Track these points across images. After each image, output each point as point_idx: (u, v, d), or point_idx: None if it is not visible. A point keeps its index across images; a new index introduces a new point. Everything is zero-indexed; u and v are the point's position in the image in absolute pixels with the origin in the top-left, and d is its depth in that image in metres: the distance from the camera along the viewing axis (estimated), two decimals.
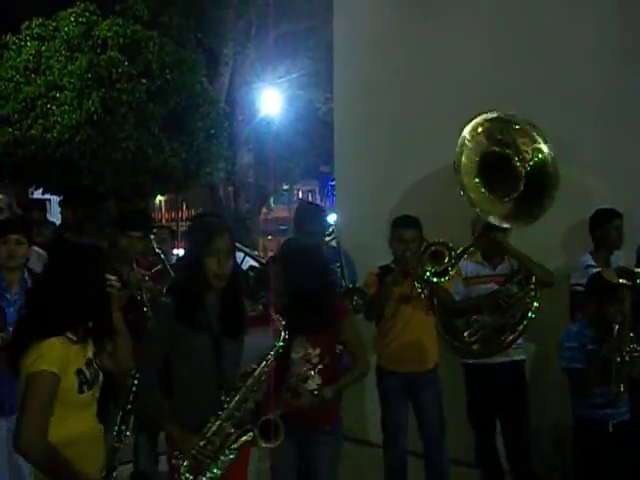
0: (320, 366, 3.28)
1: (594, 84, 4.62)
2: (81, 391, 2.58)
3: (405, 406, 4.26)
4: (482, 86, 4.90)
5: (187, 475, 2.86)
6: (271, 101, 16.05)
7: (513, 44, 4.86)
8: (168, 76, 11.67)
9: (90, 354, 2.67)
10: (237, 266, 3.28)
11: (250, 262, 5.18)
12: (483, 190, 4.21)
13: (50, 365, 2.46)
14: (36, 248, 4.23)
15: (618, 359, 3.41)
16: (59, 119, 10.96)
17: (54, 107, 11.06)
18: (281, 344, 3.05)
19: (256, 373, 2.99)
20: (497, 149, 4.35)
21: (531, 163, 4.33)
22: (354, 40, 5.67)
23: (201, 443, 2.86)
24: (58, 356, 2.49)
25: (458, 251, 4.13)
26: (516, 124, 4.37)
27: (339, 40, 5.88)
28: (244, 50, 15.60)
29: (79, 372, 2.58)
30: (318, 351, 3.31)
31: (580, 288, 4.23)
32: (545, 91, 4.73)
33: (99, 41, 11.47)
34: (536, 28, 4.79)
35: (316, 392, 3.24)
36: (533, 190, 4.27)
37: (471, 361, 4.32)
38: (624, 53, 4.56)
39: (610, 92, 4.58)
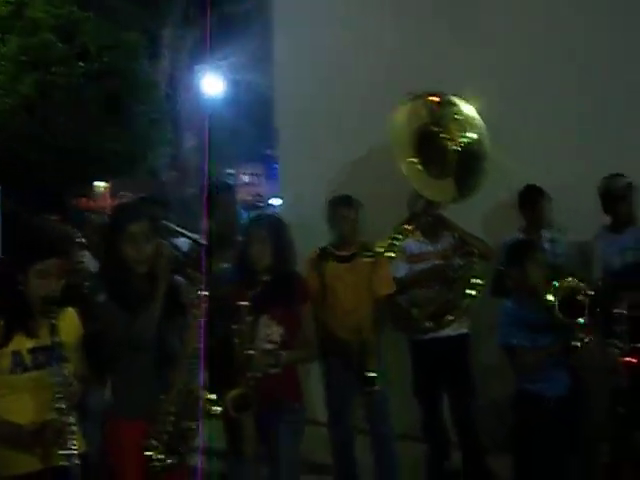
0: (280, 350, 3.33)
1: (524, 65, 4.78)
2: (13, 372, 2.67)
3: (348, 380, 4.25)
4: (427, 66, 4.94)
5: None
6: (214, 84, 15.88)
7: (453, 26, 4.93)
8: (106, 59, 11.42)
9: (45, 341, 2.69)
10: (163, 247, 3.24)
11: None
12: (419, 167, 4.30)
13: None
14: None
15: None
16: None
17: None
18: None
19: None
20: (432, 127, 4.43)
21: (462, 144, 4.42)
22: (296, 19, 5.63)
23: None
24: None
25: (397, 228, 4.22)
26: (454, 111, 4.45)
27: (280, 19, 5.83)
28: (185, 33, 15.35)
29: (16, 353, 2.68)
30: (282, 330, 3.35)
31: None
32: (480, 71, 4.82)
33: (31, 22, 11.11)
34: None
35: (270, 349, 3.29)
36: (464, 169, 4.37)
37: (416, 336, 4.39)
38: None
39: (542, 75, 4.74)
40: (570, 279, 3.52)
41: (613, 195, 4.32)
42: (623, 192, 4.29)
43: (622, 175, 4.33)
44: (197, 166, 16.01)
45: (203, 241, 3.99)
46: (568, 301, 3.47)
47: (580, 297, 3.47)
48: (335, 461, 4.33)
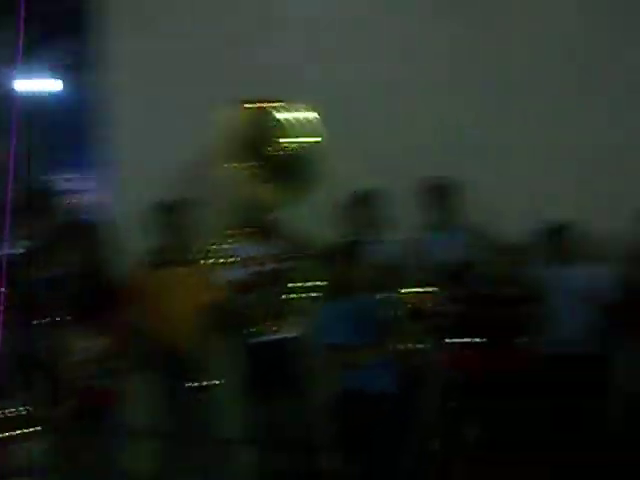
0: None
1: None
2: None
3: (177, 388, 4.17)
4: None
5: None
6: (38, 86, 15.08)
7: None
8: None
9: None
10: None
11: None
12: (247, 172, 4.38)
13: None
14: None
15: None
16: None
17: None
18: None
19: None
20: (258, 133, 4.50)
21: (291, 149, 4.52)
22: (124, 20, 5.45)
23: None
24: None
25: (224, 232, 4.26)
26: (279, 117, 4.54)
27: (112, 20, 5.59)
28: (4, 31, 14.44)
29: None
30: (101, 340, 3.29)
31: None
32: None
33: None
34: None
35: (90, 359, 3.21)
36: (293, 174, 4.47)
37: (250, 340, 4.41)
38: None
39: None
40: (415, 286, 3.69)
41: (436, 193, 4.61)
42: (444, 191, 4.61)
43: (444, 176, 4.60)
44: (20, 171, 15.08)
45: (20, 251, 3.80)
46: (413, 308, 3.63)
47: (425, 304, 3.64)
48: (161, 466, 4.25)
